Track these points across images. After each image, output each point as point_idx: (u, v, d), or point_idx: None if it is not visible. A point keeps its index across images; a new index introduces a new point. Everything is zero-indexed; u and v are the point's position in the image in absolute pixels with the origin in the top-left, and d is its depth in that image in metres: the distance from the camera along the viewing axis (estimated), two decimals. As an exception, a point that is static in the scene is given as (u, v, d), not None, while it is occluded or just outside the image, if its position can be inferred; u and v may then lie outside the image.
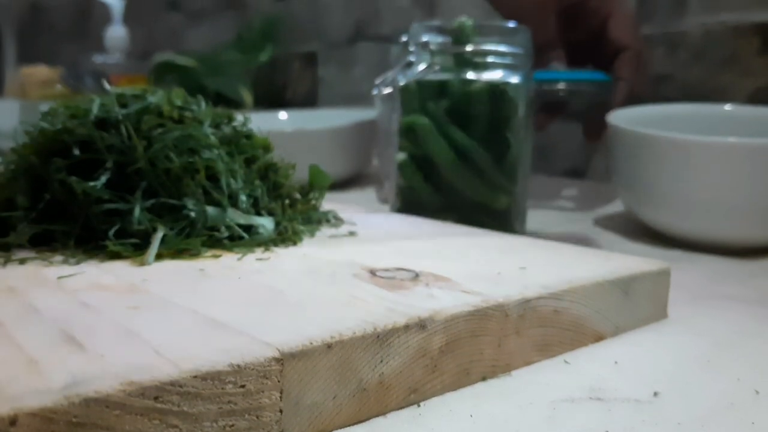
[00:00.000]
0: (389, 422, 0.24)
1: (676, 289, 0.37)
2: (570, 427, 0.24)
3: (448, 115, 0.50)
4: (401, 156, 0.52)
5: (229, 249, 0.36)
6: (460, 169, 0.50)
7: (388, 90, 0.53)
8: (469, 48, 0.49)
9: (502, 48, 0.50)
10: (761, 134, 0.53)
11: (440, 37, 0.50)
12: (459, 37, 0.50)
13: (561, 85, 0.57)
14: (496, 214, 0.50)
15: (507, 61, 0.50)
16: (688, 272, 0.44)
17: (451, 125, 0.50)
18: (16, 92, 1.47)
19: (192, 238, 0.35)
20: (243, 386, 0.21)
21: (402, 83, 0.51)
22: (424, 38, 0.50)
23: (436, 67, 0.50)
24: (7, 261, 0.33)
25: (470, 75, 0.49)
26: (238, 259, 0.34)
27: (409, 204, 0.51)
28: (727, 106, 0.60)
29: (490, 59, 0.49)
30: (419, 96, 0.50)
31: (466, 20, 0.50)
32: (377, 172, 0.72)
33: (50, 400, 0.18)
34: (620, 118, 0.56)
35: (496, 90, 0.49)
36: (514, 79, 0.50)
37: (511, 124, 0.50)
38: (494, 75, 0.49)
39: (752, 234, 0.49)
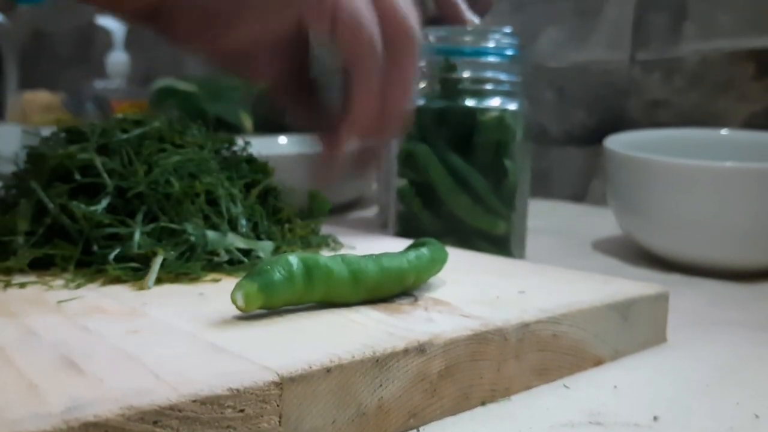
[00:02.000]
0: (388, 447, 0.24)
1: (674, 313, 0.37)
2: (570, 452, 0.24)
3: (446, 142, 0.50)
4: (400, 182, 0.52)
5: (228, 273, 0.36)
6: (458, 195, 0.50)
7: None
8: (466, 75, 0.50)
9: (499, 76, 0.50)
10: (757, 159, 0.54)
11: (437, 60, 0.51)
12: (446, 67, 0.51)
13: None
14: (494, 240, 0.51)
15: (504, 88, 0.51)
16: (686, 296, 0.44)
17: (449, 152, 0.50)
18: (18, 117, 1.48)
19: (192, 262, 0.36)
20: (242, 411, 0.21)
21: None
22: (421, 65, 0.51)
23: (434, 94, 0.51)
24: (7, 285, 0.33)
25: (468, 102, 0.50)
26: (238, 283, 0.34)
27: (409, 229, 0.52)
28: (723, 131, 0.61)
29: (487, 87, 0.50)
30: (418, 122, 0.51)
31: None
32: (377, 196, 0.72)
33: (49, 424, 0.18)
34: (617, 142, 0.57)
35: (499, 118, 0.50)
36: (512, 107, 0.50)
37: (509, 150, 0.50)
38: (492, 102, 0.50)
39: (750, 258, 0.49)
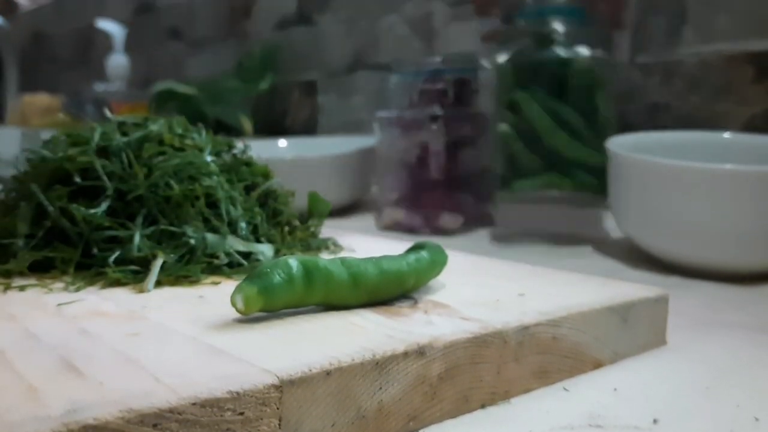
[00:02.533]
0: (388, 450, 0.24)
1: (674, 316, 0.37)
2: (569, 455, 0.24)
3: (544, 88, 0.59)
4: (504, 127, 0.61)
5: (228, 276, 0.36)
6: (557, 133, 0.59)
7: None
8: (559, 29, 0.59)
9: (588, 29, 0.59)
10: (757, 161, 0.54)
11: (533, 19, 0.60)
12: (541, 22, 0.60)
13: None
14: (591, 170, 0.59)
15: (592, 39, 0.59)
16: (686, 299, 0.44)
17: (547, 96, 0.59)
18: (18, 120, 1.48)
19: (191, 265, 0.36)
20: (242, 413, 0.21)
21: (500, 62, 0.61)
22: (521, 21, 0.61)
23: (532, 46, 0.60)
24: (7, 288, 0.33)
25: (561, 52, 0.59)
26: (238, 286, 0.34)
27: (512, 169, 0.61)
28: (723, 134, 0.61)
29: (577, 38, 0.59)
30: (519, 72, 0.60)
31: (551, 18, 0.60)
32: (376, 198, 0.72)
33: (49, 427, 0.18)
34: (618, 145, 0.57)
35: (588, 63, 0.59)
36: (600, 54, 0.59)
37: (599, 92, 0.59)
38: (582, 51, 0.59)
39: (750, 260, 0.49)
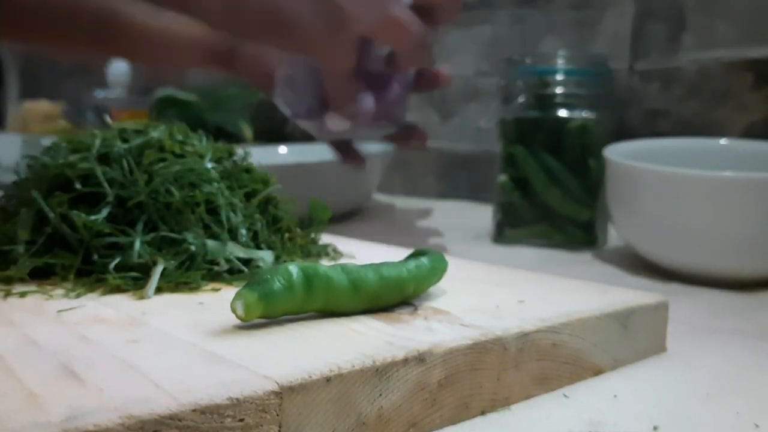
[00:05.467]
0: (388, 457, 0.24)
1: (674, 323, 0.37)
2: (569, 462, 0.24)
3: (541, 145, 0.63)
4: (503, 178, 0.65)
5: (228, 282, 0.36)
6: (551, 189, 0.63)
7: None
8: (557, 91, 0.62)
9: (584, 91, 0.62)
10: (756, 168, 0.54)
11: (533, 78, 0.62)
12: (540, 84, 0.62)
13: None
14: (581, 224, 0.63)
15: (588, 101, 0.62)
16: (686, 306, 0.44)
17: (543, 153, 0.63)
18: (19, 126, 1.48)
19: (192, 271, 0.36)
20: (242, 420, 0.21)
21: (502, 118, 0.64)
22: (520, 80, 0.63)
23: (530, 105, 0.62)
24: (7, 294, 0.33)
25: (561, 112, 0.62)
26: (238, 293, 0.34)
27: (509, 217, 0.65)
28: (722, 141, 0.61)
29: (574, 100, 0.62)
30: (518, 128, 0.63)
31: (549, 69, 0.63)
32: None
33: (49, 433, 0.18)
34: (616, 152, 0.57)
35: (582, 125, 0.62)
36: (594, 116, 0.62)
37: (592, 151, 0.61)
38: (578, 113, 0.62)
39: (750, 267, 0.49)
